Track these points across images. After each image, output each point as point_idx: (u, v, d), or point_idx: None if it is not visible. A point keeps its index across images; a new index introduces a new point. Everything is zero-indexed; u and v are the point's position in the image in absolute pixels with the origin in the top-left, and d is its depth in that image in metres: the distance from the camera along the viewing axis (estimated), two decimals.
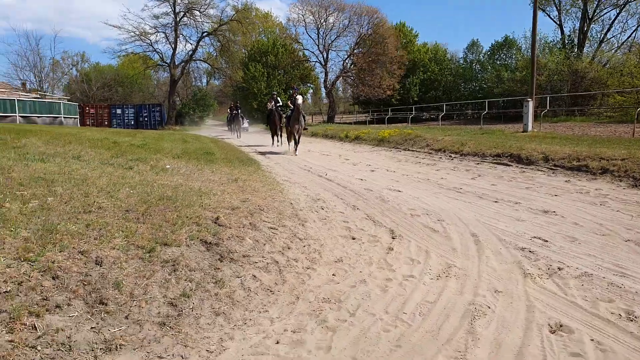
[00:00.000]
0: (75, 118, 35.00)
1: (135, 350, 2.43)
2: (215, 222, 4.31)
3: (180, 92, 50.01)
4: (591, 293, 3.39)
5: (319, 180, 8.93)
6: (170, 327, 2.70)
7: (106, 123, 42.15)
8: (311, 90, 51.06)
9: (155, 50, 45.26)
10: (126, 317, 2.64)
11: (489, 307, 3.20)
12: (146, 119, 43.29)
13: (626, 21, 33.70)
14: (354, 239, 4.89)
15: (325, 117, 47.54)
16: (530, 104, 17.22)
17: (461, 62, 46.07)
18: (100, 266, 2.97)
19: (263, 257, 3.96)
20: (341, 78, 45.74)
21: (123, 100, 49.93)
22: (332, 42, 43.11)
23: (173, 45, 44.79)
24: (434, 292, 3.49)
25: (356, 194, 7.33)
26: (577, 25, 34.29)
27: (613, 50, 33.54)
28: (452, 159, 12.08)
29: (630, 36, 33.79)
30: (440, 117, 30.14)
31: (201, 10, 43.90)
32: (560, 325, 2.92)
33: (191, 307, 2.95)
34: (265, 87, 40.26)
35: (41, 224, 3.33)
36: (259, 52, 42.71)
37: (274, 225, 4.85)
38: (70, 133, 13.31)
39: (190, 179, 6.86)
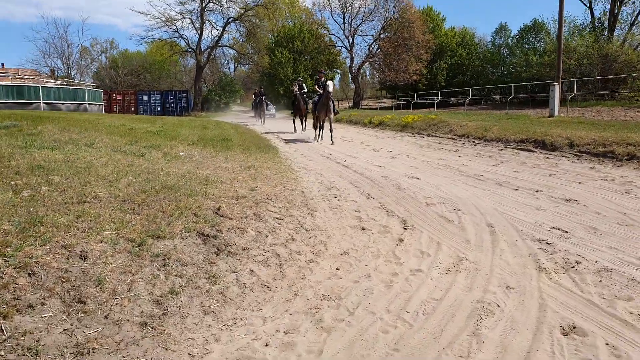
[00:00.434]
0: (100, 105, 35.23)
1: (110, 355, 2.25)
2: (216, 213, 4.12)
3: (207, 79, 50.14)
4: (609, 290, 3.09)
5: (336, 167, 8.67)
6: (152, 328, 2.52)
7: (133, 110, 42.55)
8: (338, 76, 50.34)
9: (181, 36, 45.54)
10: (105, 317, 2.47)
11: (498, 306, 2.93)
12: (172, 105, 43.50)
13: None
14: (363, 229, 4.64)
15: (350, 103, 46.92)
16: (557, 88, 16.48)
17: (489, 46, 44.61)
18: (84, 261, 2.81)
19: (264, 250, 3.76)
20: (367, 63, 44.97)
21: (151, 86, 50.39)
22: (358, 26, 42.26)
23: (199, 31, 44.93)
24: (441, 288, 3.23)
25: (372, 181, 7.04)
26: (608, 7, 32.49)
27: None
28: (475, 145, 11.60)
29: None
30: (466, 102, 29.19)
31: None
32: (574, 327, 2.65)
33: (178, 305, 2.77)
34: (292, 72, 39.92)
35: (26, 216, 3.18)
36: (285, 38, 42.34)
37: (280, 215, 4.63)
38: (89, 120, 13.37)
39: (201, 166, 6.71)
